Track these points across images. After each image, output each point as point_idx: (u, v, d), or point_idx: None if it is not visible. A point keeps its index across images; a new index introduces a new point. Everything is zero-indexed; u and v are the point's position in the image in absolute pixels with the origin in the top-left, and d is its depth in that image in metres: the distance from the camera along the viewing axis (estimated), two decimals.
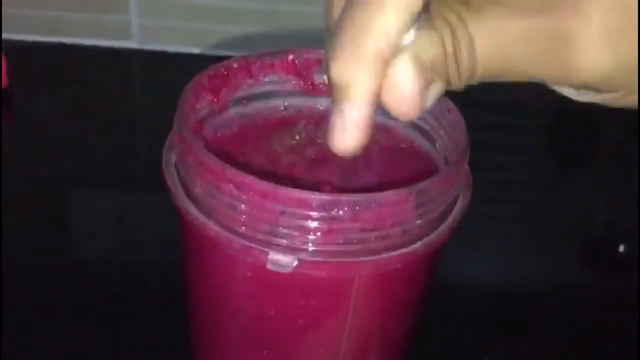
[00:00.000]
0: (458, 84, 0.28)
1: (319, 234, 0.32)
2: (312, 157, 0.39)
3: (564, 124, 0.77)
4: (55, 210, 0.58)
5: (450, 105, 0.39)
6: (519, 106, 0.76)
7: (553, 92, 0.74)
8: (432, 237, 0.34)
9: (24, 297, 0.49)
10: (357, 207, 0.31)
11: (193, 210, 0.34)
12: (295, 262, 0.32)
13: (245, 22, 0.74)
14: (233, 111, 0.41)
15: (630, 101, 0.29)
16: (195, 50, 0.76)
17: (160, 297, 0.49)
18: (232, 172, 0.32)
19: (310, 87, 0.42)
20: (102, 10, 0.74)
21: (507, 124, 0.74)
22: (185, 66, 0.72)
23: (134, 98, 0.74)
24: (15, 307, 0.48)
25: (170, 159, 0.36)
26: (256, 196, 0.31)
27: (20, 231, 0.55)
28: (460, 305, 0.53)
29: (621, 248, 0.61)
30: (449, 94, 0.39)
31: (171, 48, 0.76)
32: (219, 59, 0.40)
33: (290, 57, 0.41)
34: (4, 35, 0.71)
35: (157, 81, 0.74)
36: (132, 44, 0.76)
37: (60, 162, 0.62)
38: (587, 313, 0.54)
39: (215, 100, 0.40)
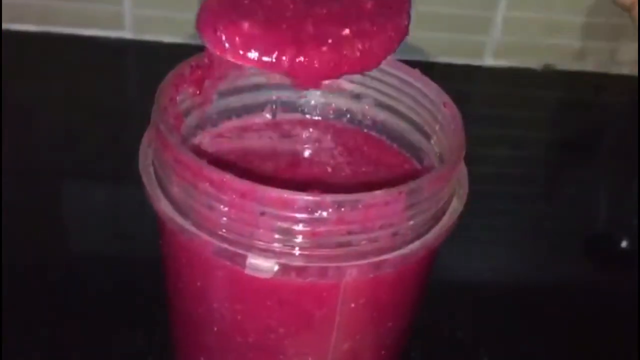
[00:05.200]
0: None
1: (302, 236, 0.30)
2: (298, 155, 0.38)
3: (566, 118, 0.75)
4: (46, 202, 0.57)
5: (447, 98, 0.37)
6: (521, 100, 0.75)
7: (555, 85, 0.73)
8: (425, 239, 0.32)
9: (15, 291, 0.48)
10: (343, 209, 0.29)
11: (169, 210, 0.32)
12: (276, 267, 0.30)
13: None
14: (217, 104, 0.39)
15: None
16: (191, 40, 0.74)
17: (152, 291, 0.47)
18: (209, 170, 0.30)
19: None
20: None
21: (508, 118, 0.73)
22: (179, 57, 0.71)
23: (127, 89, 0.73)
24: (6, 301, 0.47)
25: (147, 154, 0.34)
26: (234, 196, 0.29)
27: (12, 224, 0.53)
28: (461, 302, 0.51)
29: (623, 244, 0.60)
30: (445, 87, 0.38)
31: (165, 38, 0.75)
32: None
33: None
34: None
35: (151, 72, 0.72)
36: (125, 34, 0.75)
37: (52, 153, 0.61)
38: (589, 309, 0.53)
39: (198, 92, 0.37)
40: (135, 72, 0.76)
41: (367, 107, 0.41)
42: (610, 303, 0.53)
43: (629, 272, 0.55)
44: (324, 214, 0.29)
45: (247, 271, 0.30)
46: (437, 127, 0.37)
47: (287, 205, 0.29)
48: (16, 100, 0.66)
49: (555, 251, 0.58)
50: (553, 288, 0.54)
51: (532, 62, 0.78)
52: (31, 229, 0.54)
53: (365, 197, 0.29)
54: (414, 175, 0.32)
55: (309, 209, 0.29)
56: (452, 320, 0.50)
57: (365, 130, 0.41)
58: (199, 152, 0.38)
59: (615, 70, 0.78)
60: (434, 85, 0.38)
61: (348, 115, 0.42)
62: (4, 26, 0.72)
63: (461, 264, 0.54)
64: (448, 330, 0.49)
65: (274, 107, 0.42)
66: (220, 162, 0.37)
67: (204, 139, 0.40)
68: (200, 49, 0.37)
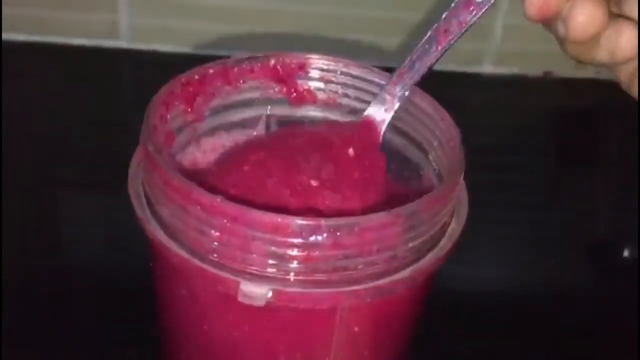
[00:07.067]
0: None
1: (296, 262, 0.29)
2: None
3: (567, 125, 0.75)
4: (41, 212, 0.56)
5: (444, 113, 0.36)
6: (521, 107, 0.75)
7: (555, 93, 0.73)
8: (424, 262, 0.31)
9: (10, 301, 0.47)
10: (338, 233, 0.28)
11: (159, 233, 0.31)
12: (270, 294, 0.29)
13: (237, 21, 0.72)
14: (210, 121, 0.38)
15: None
16: (186, 49, 0.74)
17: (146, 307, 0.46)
18: (199, 192, 0.29)
19: (294, 94, 0.39)
20: (90, 8, 0.72)
21: (508, 125, 0.72)
22: (176, 66, 0.70)
23: (123, 98, 0.72)
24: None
25: (137, 174, 0.33)
26: (225, 220, 0.28)
27: (7, 234, 0.52)
28: (461, 314, 0.50)
29: (625, 253, 0.59)
30: (444, 94, 0.37)
31: (161, 47, 0.74)
32: (210, 58, 0.38)
33: (272, 61, 0.38)
34: None
35: (147, 81, 0.71)
36: (121, 43, 0.74)
37: (47, 163, 0.60)
38: (591, 320, 0.52)
39: (189, 109, 0.37)
40: (131, 81, 0.76)
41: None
42: (613, 313, 0.53)
43: (631, 281, 0.54)
44: (319, 238, 0.28)
45: (239, 298, 0.29)
46: (435, 143, 0.36)
47: (281, 229, 0.28)
48: (11, 110, 0.65)
49: (556, 261, 0.57)
50: (555, 299, 0.54)
51: (532, 69, 0.77)
52: (25, 240, 0.53)
53: (361, 220, 0.29)
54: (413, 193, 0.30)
55: (303, 233, 0.28)
56: (453, 333, 0.49)
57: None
58: (189, 169, 0.37)
59: (615, 77, 0.77)
60: (432, 100, 0.37)
61: None
62: None
63: (460, 274, 0.53)
64: (448, 344, 0.48)
65: (268, 121, 0.41)
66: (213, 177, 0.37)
67: (197, 155, 0.39)
68: (194, 58, 0.36)
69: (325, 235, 0.28)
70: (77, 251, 0.54)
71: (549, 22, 0.32)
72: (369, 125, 0.37)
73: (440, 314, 0.45)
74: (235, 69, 0.38)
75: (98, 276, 0.51)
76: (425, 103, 0.37)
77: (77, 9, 0.72)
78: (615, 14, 0.32)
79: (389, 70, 0.38)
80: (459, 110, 0.36)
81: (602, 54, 0.32)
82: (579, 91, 0.77)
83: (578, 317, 0.52)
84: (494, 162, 0.66)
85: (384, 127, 0.37)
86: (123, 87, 0.75)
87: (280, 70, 0.38)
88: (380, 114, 0.37)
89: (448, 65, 0.75)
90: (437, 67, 0.73)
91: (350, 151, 0.36)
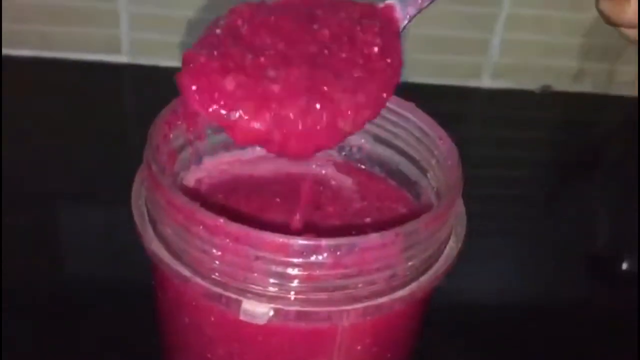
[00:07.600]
0: None
1: (297, 281, 0.29)
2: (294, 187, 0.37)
3: (564, 139, 0.75)
4: (43, 224, 0.56)
5: (442, 132, 0.36)
6: (519, 121, 0.75)
7: (553, 107, 0.72)
8: (422, 280, 0.32)
9: (9, 312, 0.48)
10: (339, 252, 0.29)
11: (161, 252, 0.31)
12: (271, 312, 0.29)
13: None
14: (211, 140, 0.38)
15: None
16: None
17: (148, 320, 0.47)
18: (202, 213, 0.29)
19: None
20: (91, 23, 0.72)
21: (506, 139, 0.72)
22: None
23: (124, 113, 0.72)
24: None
25: (140, 193, 0.34)
26: (228, 240, 0.29)
27: (8, 246, 0.52)
28: (460, 323, 0.51)
29: (624, 266, 0.59)
30: (442, 108, 0.37)
31: (162, 62, 0.74)
32: None
33: None
34: None
35: (148, 96, 0.72)
36: (122, 58, 0.75)
37: (49, 177, 0.60)
38: (591, 333, 0.52)
39: (190, 128, 0.37)
40: (132, 95, 0.76)
41: (363, 140, 0.40)
42: (613, 327, 0.53)
43: (630, 293, 0.55)
44: (320, 258, 0.29)
45: (241, 317, 0.29)
46: (433, 162, 0.37)
47: (282, 249, 0.29)
48: (13, 125, 0.65)
49: (555, 274, 0.57)
50: (554, 313, 0.54)
51: (530, 84, 0.77)
52: (27, 254, 0.53)
53: (361, 240, 0.29)
54: (411, 211, 0.31)
55: (304, 253, 0.29)
56: (452, 346, 0.49)
57: (362, 167, 0.41)
58: (191, 188, 0.38)
59: (613, 91, 0.78)
60: (429, 119, 0.37)
61: (343, 150, 0.41)
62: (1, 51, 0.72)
63: (460, 287, 0.53)
64: (448, 357, 0.49)
65: None
66: (214, 196, 0.37)
67: (199, 174, 0.39)
68: None
69: (325, 254, 0.29)
70: (77, 265, 0.54)
71: None
72: (390, 11, 0.36)
73: (439, 327, 0.45)
74: None
75: (99, 291, 0.51)
76: (424, 122, 0.37)
77: (78, 24, 0.72)
78: None
79: None
80: (457, 124, 0.36)
81: (630, 13, 0.34)
82: (577, 105, 0.78)
83: (577, 330, 0.52)
84: (492, 175, 0.66)
85: (405, 22, 0.36)
86: (124, 101, 0.75)
87: None
88: (405, 6, 0.36)
89: (446, 79, 0.75)
90: (437, 82, 0.74)
91: (375, 50, 0.34)
